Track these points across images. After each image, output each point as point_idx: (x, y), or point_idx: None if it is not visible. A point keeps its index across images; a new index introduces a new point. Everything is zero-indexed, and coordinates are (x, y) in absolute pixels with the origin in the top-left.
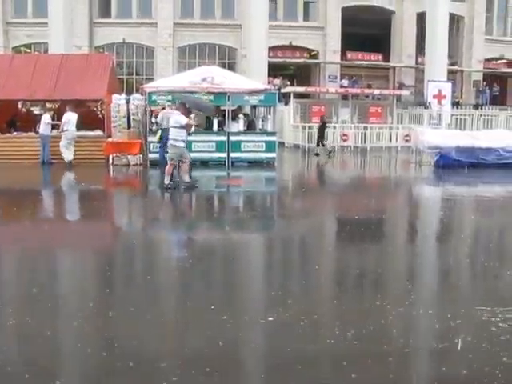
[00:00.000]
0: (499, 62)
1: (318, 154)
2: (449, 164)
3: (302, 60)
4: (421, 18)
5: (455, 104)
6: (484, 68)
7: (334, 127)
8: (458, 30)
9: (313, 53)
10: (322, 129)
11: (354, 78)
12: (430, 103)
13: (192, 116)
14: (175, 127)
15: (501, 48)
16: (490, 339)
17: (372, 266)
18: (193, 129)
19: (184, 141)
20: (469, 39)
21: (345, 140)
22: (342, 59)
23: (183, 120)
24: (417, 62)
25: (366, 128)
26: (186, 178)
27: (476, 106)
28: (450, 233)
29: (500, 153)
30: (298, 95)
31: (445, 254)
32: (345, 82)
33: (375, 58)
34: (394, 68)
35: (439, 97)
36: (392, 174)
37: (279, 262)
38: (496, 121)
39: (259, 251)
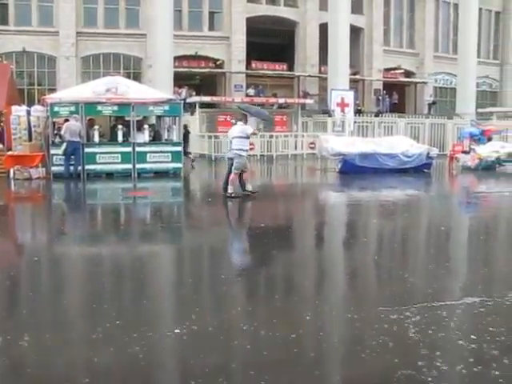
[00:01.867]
0: (397, 71)
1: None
2: (353, 170)
3: (207, 70)
4: (323, 28)
5: (357, 112)
6: (383, 77)
7: None
8: (359, 41)
9: (218, 62)
10: (186, 138)
11: (260, 87)
12: (333, 111)
13: (96, 127)
14: (241, 137)
15: (398, 58)
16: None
17: (280, 273)
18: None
19: (247, 151)
20: (369, 50)
21: (251, 149)
22: (247, 69)
23: (249, 130)
24: (320, 72)
25: (271, 136)
26: (250, 187)
27: (377, 114)
28: (354, 237)
29: (400, 158)
30: (204, 105)
31: (349, 257)
32: (250, 91)
33: (280, 68)
34: (299, 77)
35: (342, 105)
36: (298, 181)
37: (187, 274)
38: (396, 127)
39: (167, 263)
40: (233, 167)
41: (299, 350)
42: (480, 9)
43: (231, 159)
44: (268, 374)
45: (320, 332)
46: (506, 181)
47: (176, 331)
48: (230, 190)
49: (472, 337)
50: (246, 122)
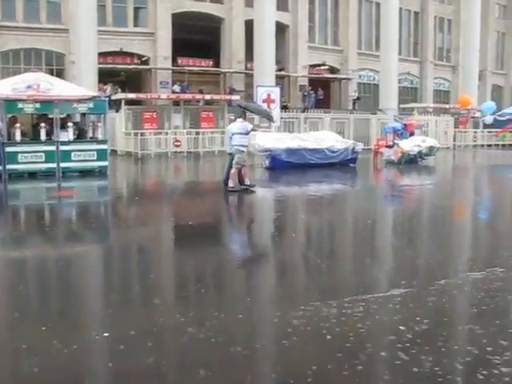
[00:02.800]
0: (322, 68)
1: None
2: (279, 165)
3: (132, 66)
4: (249, 25)
5: (284, 108)
6: (309, 73)
7: (167, 133)
8: (284, 38)
9: (144, 59)
10: None
11: (185, 83)
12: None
13: (18, 125)
14: (241, 133)
15: (323, 55)
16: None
17: (209, 270)
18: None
19: (247, 146)
20: (294, 46)
21: (177, 146)
22: (173, 65)
23: (249, 126)
24: (246, 68)
25: (198, 133)
26: (248, 181)
27: (303, 110)
28: (283, 232)
29: (326, 153)
30: (130, 102)
31: (277, 253)
32: (176, 88)
33: (206, 64)
34: (225, 73)
35: (268, 101)
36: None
37: (115, 274)
38: (321, 123)
39: (92, 264)
40: (233, 162)
41: (231, 349)
42: (400, 8)
43: (231, 154)
44: (198, 375)
45: (250, 329)
46: (428, 174)
47: (105, 334)
48: (231, 184)
49: (400, 327)
50: (245, 119)
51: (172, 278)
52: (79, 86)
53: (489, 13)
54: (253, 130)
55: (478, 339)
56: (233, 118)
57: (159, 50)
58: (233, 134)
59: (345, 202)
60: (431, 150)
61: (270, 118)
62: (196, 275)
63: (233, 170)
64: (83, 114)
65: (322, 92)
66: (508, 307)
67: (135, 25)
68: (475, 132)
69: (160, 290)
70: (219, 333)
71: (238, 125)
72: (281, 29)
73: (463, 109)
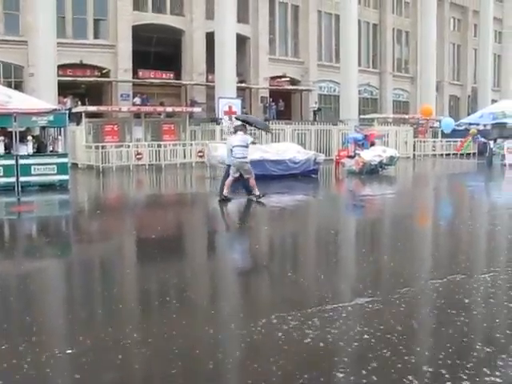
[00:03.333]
0: (283, 79)
1: None
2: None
3: (93, 78)
4: (210, 37)
5: None
6: (270, 85)
7: (128, 146)
8: (245, 50)
9: (104, 71)
10: None
11: (145, 95)
12: (221, 119)
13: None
14: (242, 146)
15: (283, 67)
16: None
17: (171, 283)
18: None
19: (247, 158)
20: (255, 58)
21: (139, 158)
22: (134, 77)
23: (250, 139)
24: (207, 80)
25: (159, 146)
26: (257, 192)
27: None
28: (245, 243)
29: (288, 164)
30: (91, 114)
31: (240, 264)
32: (137, 100)
33: (167, 76)
34: (186, 86)
35: (230, 113)
36: (188, 189)
37: (76, 290)
38: (283, 134)
39: (54, 279)
40: (243, 172)
41: (195, 361)
42: (359, 20)
43: (229, 166)
44: None
45: (215, 341)
46: (389, 183)
47: (68, 351)
48: (224, 192)
49: (365, 336)
50: (245, 132)
51: (133, 293)
52: (38, 99)
53: (444, 25)
54: (252, 142)
55: (440, 346)
56: (232, 131)
57: (120, 62)
58: (233, 147)
59: (307, 213)
60: (392, 160)
61: (267, 130)
62: (158, 288)
63: (251, 181)
64: (43, 128)
65: (283, 103)
66: (468, 313)
67: (95, 37)
68: (434, 141)
69: (120, 304)
70: (180, 346)
71: (239, 137)
72: (241, 41)
73: (424, 118)
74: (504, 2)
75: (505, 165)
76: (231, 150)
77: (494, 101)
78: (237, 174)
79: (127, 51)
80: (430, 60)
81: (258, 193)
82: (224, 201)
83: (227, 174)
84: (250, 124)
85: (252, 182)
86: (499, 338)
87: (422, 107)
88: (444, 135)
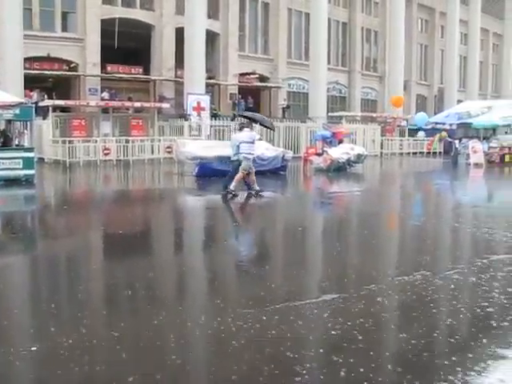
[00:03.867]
0: (252, 76)
1: None
2: (210, 173)
3: (60, 72)
4: (180, 32)
5: (214, 116)
6: (239, 82)
7: (96, 141)
8: (215, 46)
9: (72, 65)
10: None
11: (114, 90)
12: (190, 115)
13: None
14: (248, 142)
15: (253, 64)
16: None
17: (140, 280)
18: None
19: (253, 154)
20: (224, 55)
21: (107, 154)
22: (102, 72)
23: (257, 136)
24: (176, 76)
25: (127, 141)
26: (257, 187)
27: (233, 118)
28: (214, 240)
29: (256, 161)
30: (58, 109)
31: (209, 261)
32: (106, 95)
33: (136, 71)
34: (155, 81)
35: (198, 109)
36: (155, 185)
37: (42, 285)
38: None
39: (20, 275)
40: (240, 167)
41: (162, 358)
42: (329, 19)
43: (236, 161)
44: None
45: (182, 339)
46: (356, 181)
47: (33, 348)
48: (232, 187)
49: (332, 332)
50: (251, 129)
51: (99, 288)
52: (4, 92)
53: (412, 26)
54: (259, 139)
55: (405, 343)
56: (238, 127)
57: (88, 56)
58: (240, 143)
59: (275, 210)
60: (359, 158)
61: (272, 128)
62: (124, 285)
63: (239, 175)
64: (9, 121)
65: (252, 100)
66: (434, 310)
67: (63, 30)
68: (401, 140)
69: (86, 301)
70: (145, 342)
71: (246, 134)
72: (211, 37)
73: (397, 108)
74: (470, 5)
75: (469, 164)
76: (238, 146)
77: (459, 101)
78: (247, 170)
79: (96, 45)
80: (398, 59)
81: (233, 188)
82: (229, 196)
83: (235, 170)
84: (256, 122)
85: (239, 176)
86: (461, 333)
87: (392, 98)
88: (411, 134)
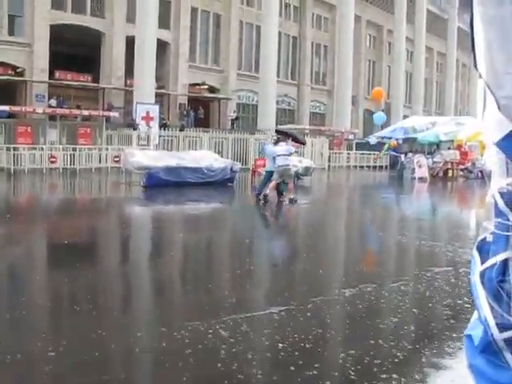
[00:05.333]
0: (202, 87)
1: None
2: (158, 184)
3: (6, 77)
4: (130, 41)
5: (162, 126)
6: (189, 92)
7: (42, 149)
8: (165, 56)
9: (19, 70)
10: None
11: (61, 98)
12: (138, 125)
13: None
14: (285, 155)
15: (203, 74)
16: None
17: (84, 291)
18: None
19: (289, 165)
20: (175, 65)
21: (53, 162)
22: (50, 78)
23: (292, 149)
24: (126, 84)
25: (75, 149)
26: (291, 195)
27: (181, 128)
28: (160, 251)
29: (204, 172)
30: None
31: (154, 272)
32: (53, 102)
33: (85, 79)
34: (104, 89)
35: (147, 118)
36: (102, 195)
37: None
38: (200, 142)
39: None
40: (273, 177)
41: (109, 372)
42: (280, 32)
43: (270, 172)
44: None
45: (127, 352)
46: (304, 193)
47: None
48: (267, 191)
49: (279, 345)
50: (287, 143)
51: (42, 299)
52: None
53: (361, 42)
54: (295, 152)
55: (351, 355)
56: (272, 141)
57: (36, 61)
58: (277, 156)
59: (222, 221)
60: (307, 171)
61: (304, 143)
62: (69, 295)
63: (272, 183)
64: None
65: (201, 111)
66: (378, 322)
67: (10, 34)
68: (349, 153)
69: (28, 312)
70: (88, 356)
71: (283, 147)
72: (162, 46)
73: (376, 100)
74: (415, 24)
75: (414, 178)
76: (274, 158)
77: (405, 116)
78: (279, 180)
79: (44, 51)
80: (346, 74)
81: (292, 196)
82: (263, 200)
83: (268, 179)
84: (289, 136)
85: (290, 186)
86: (406, 344)
87: (372, 91)
88: (358, 147)
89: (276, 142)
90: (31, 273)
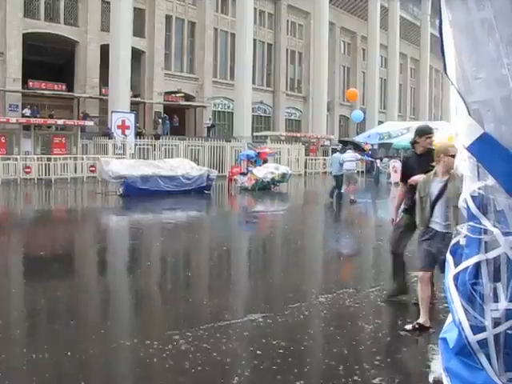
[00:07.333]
0: (177, 95)
1: None
2: (134, 193)
3: None
4: (105, 50)
5: (138, 134)
6: (164, 100)
7: (16, 159)
8: (140, 64)
9: None
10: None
11: (35, 107)
12: (114, 133)
13: None
14: (352, 161)
15: (179, 82)
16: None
17: (63, 301)
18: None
19: (355, 169)
20: (150, 73)
21: (28, 172)
22: (23, 87)
23: (358, 156)
24: (101, 93)
25: (49, 159)
26: (352, 196)
27: (157, 136)
28: (137, 261)
29: (181, 180)
30: None
31: (131, 282)
32: (27, 112)
33: (59, 88)
34: (78, 98)
35: (123, 127)
36: (78, 205)
37: None
38: (176, 150)
39: None
40: (347, 180)
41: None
42: (254, 40)
43: (340, 176)
44: None
45: (107, 361)
46: (281, 200)
47: None
48: (352, 197)
49: (258, 352)
50: (354, 150)
51: (19, 310)
52: None
53: (336, 48)
54: (361, 159)
55: (326, 358)
56: (339, 149)
57: (9, 70)
58: (345, 162)
59: (199, 229)
60: (284, 177)
61: (364, 150)
62: (47, 306)
63: (354, 186)
64: None
65: (177, 119)
66: (353, 326)
67: None
68: (324, 159)
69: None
70: (66, 367)
71: (350, 154)
72: (137, 55)
73: (352, 101)
74: (389, 30)
75: (390, 182)
76: (341, 164)
77: (380, 122)
78: (347, 182)
79: (17, 60)
80: (321, 80)
81: (353, 197)
82: (352, 202)
83: (339, 182)
84: (353, 144)
85: (354, 188)
86: (380, 348)
87: (347, 92)
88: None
89: (343, 151)
90: (4, 285)
